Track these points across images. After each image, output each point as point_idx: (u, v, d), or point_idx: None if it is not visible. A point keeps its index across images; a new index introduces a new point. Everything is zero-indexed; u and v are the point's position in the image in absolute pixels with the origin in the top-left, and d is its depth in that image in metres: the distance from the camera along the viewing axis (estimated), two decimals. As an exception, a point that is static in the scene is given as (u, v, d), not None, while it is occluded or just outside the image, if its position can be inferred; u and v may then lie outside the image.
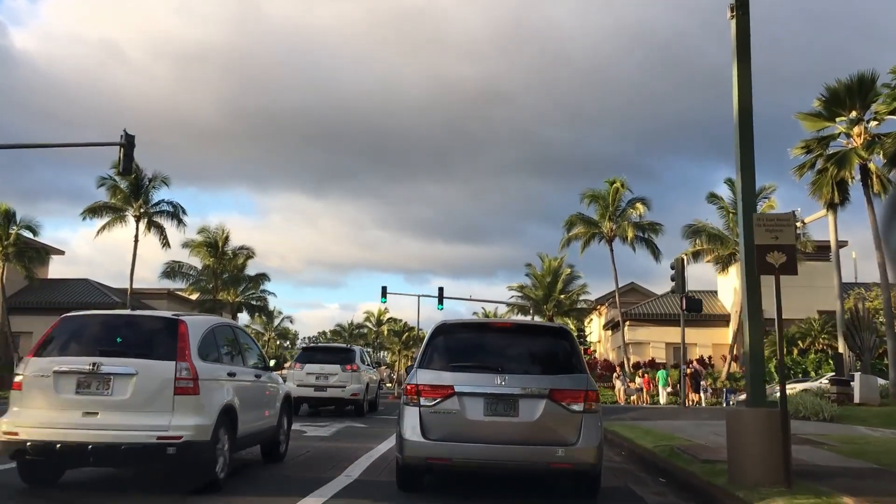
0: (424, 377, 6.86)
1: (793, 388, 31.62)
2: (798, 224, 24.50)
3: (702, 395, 38.11)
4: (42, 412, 6.89)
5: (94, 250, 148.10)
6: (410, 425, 6.76)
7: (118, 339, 7.33)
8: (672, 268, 23.28)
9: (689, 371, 38.59)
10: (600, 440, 6.76)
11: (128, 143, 18.19)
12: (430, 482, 7.49)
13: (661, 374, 40.23)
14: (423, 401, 6.72)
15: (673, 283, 22.74)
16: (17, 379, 7.13)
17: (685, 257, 23.13)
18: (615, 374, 42.89)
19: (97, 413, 6.81)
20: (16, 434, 6.79)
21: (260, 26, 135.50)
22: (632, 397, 39.57)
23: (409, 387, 6.96)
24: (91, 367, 6.88)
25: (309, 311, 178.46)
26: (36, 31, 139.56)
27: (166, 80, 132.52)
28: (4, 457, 6.98)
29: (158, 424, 6.77)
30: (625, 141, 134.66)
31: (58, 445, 6.67)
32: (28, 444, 6.74)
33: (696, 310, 23.00)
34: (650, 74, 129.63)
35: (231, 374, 7.93)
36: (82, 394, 6.89)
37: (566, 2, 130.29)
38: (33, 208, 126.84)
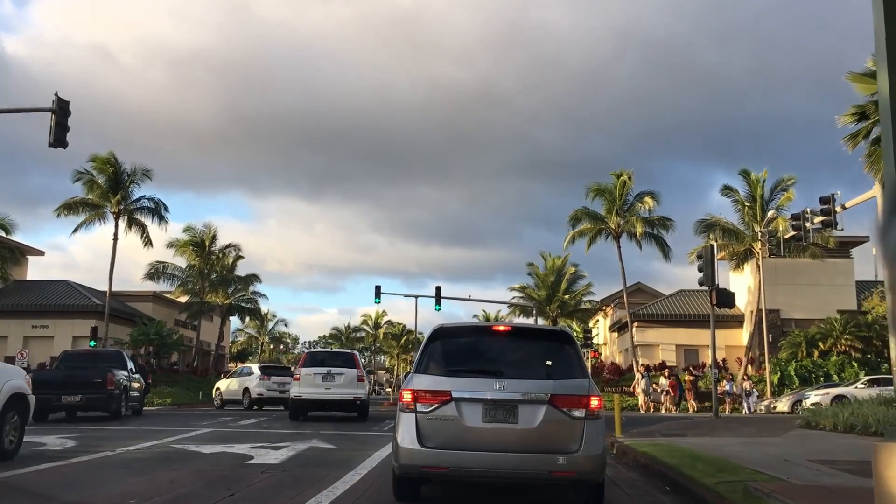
0: (421, 383, 6.54)
1: (826, 394, 28.88)
2: (837, 209, 21.59)
3: (745, 400, 34.27)
4: (308, 388, 19.37)
5: (92, 254, 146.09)
6: (406, 433, 6.39)
7: (338, 360, 20.65)
8: (699, 257, 20.38)
9: (689, 378, 35.35)
10: (604, 448, 6.55)
11: (60, 109, 15.44)
12: (427, 493, 7.10)
13: (662, 381, 36.84)
14: (419, 407, 6.40)
15: (701, 275, 19.80)
16: (296, 376, 20.04)
17: (711, 248, 20.13)
18: (639, 376, 37.99)
19: (331, 388, 19.40)
20: (300, 396, 19.41)
21: (252, 30, 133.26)
22: (651, 402, 35.45)
23: (405, 392, 6.58)
24: (328, 371, 19.64)
25: (308, 316, 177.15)
26: (26, 37, 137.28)
27: (159, 84, 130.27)
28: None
29: (354, 392, 19.59)
30: (620, 143, 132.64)
31: (316, 399, 19.45)
32: (303, 398, 19.41)
33: (728, 305, 20.13)
34: (645, 76, 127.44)
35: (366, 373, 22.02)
36: (325, 381, 19.45)
37: (558, 4, 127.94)
38: (32, 214, 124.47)
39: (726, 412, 32.54)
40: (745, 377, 36.66)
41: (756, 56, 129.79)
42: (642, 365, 41.91)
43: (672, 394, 35.12)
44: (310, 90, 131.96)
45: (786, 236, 26.24)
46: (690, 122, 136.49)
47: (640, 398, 35.85)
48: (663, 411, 34.04)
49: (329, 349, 28.28)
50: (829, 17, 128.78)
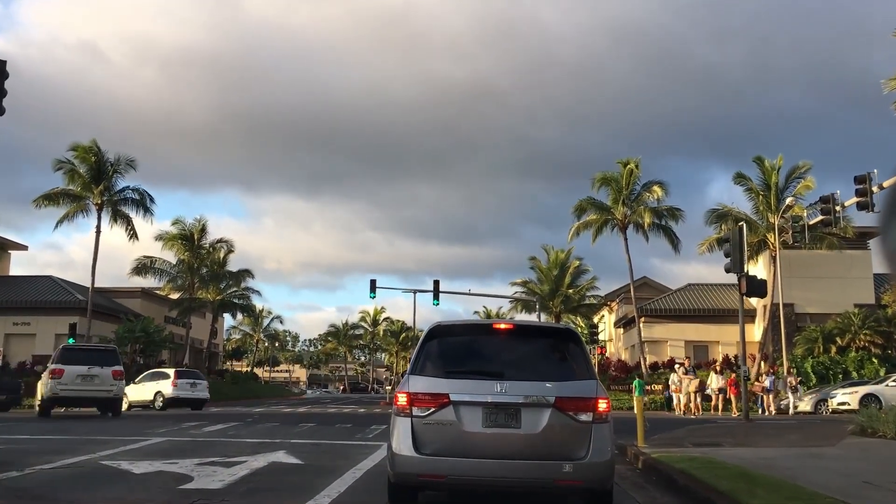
0: (417, 385, 6.12)
1: (854, 392, 26.79)
2: (874, 189, 19.49)
3: (791, 397, 29.15)
4: (183, 391, 29.60)
5: (88, 252, 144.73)
6: (402, 438, 5.96)
7: (196, 376, 32.34)
8: (726, 241, 18.27)
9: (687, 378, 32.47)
10: (612, 454, 6.13)
11: (-6, 67, 13.40)
12: (425, 500, 6.65)
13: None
14: (415, 411, 5.98)
15: (727, 261, 17.68)
16: (174, 383, 29.61)
17: (740, 230, 17.93)
18: (680, 372, 30.06)
19: (194, 392, 29.84)
20: (178, 396, 29.40)
21: (243, 28, 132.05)
22: (697, 404, 28.53)
23: (400, 395, 6.14)
24: (193, 381, 30.19)
25: (307, 314, 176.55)
26: (14, 35, 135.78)
27: (152, 82, 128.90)
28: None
29: (205, 394, 30.53)
30: (617, 140, 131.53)
31: (187, 398, 30.04)
32: (180, 397, 29.62)
33: (759, 294, 18.04)
34: (642, 74, 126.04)
35: None
36: (192, 387, 30.07)
37: (552, 1, 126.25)
38: (29, 213, 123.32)
39: (770, 412, 28.64)
40: (790, 372, 31.83)
41: (752, 53, 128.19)
42: (687, 358, 37.61)
43: (732, 393, 28.54)
44: (304, 88, 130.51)
45: (811, 222, 24.13)
46: (687, 119, 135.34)
47: (679, 399, 29.92)
48: (723, 413, 28.11)
49: (189, 369, 35.46)
50: (825, 13, 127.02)
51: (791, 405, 29.03)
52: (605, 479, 6.05)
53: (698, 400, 28.81)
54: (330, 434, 14.84)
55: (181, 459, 9.67)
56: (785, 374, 31.60)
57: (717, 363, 33.94)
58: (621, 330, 54.70)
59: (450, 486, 6.16)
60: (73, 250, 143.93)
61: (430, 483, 6.12)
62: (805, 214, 26.63)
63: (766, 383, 29.60)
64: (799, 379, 31.58)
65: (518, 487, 6.12)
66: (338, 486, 7.86)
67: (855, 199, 20.16)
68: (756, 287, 17.48)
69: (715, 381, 29.05)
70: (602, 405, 6.03)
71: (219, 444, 12.21)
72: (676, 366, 32.24)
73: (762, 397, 30.23)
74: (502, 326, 6.81)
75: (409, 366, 6.56)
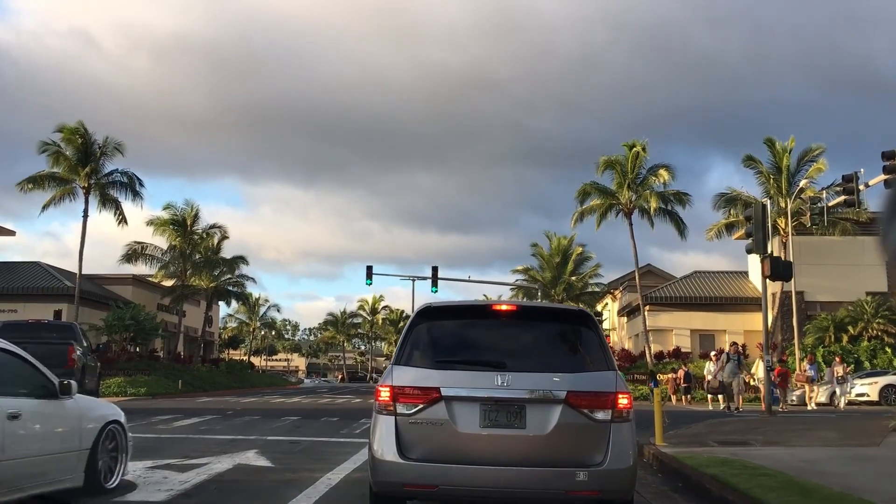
0: (402, 377, 5.30)
1: (874, 383, 25.56)
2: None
3: (838, 389, 25.61)
4: None
5: (88, 243, 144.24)
6: (384, 440, 5.15)
7: None
8: (748, 219, 16.90)
9: (681, 373, 31.02)
10: (634, 458, 5.23)
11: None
12: None
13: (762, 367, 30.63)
14: (400, 408, 5.18)
15: (749, 240, 16.31)
16: None
17: (762, 208, 16.50)
18: (724, 358, 24.50)
19: None
20: None
21: (239, 16, 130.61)
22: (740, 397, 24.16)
23: (381, 389, 5.28)
24: None
25: (306, 303, 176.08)
26: (8, 24, 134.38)
27: (146, 70, 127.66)
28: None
29: None
30: (615, 129, 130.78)
31: None
32: None
33: (784, 277, 16.64)
34: (639, 63, 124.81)
35: None
36: None
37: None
38: (24, 201, 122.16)
39: (811, 406, 25.56)
40: (839, 360, 27.93)
41: (750, 41, 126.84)
42: (734, 343, 34.14)
43: (780, 386, 24.42)
44: (301, 76, 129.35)
45: (832, 203, 22.74)
46: (685, 108, 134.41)
47: (707, 390, 26.71)
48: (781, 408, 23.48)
49: None
50: (822, 1, 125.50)
51: (839, 397, 25.67)
52: (626, 489, 5.24)
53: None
54: (313, 429, 13.52)
55: (132, 461, 8.37)
56: (836, 363, 28.25)
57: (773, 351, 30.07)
58: (625, 318, 53.54)
59: (442, 497, 5.31)
60: (70, 239, 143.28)
61: (419, 493, 5.28)
62: (824, 195, 25.08)
63: (811, 372, 26.19)
64: (849, 368, 27.93)
65: (523, 499, 5.24)
66: (307, 496, 6.57)
67: (882, 177, 18.77)
68: (781, 269, 16.03)
69: (761, 371, 24.14)
70: (623, 401, 5.22)
71: (185, 441, 10.91)
72: (713, 353, 28.29)
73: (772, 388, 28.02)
74: (504, 308, 5.84)
75: (394, 354, 5.65)
